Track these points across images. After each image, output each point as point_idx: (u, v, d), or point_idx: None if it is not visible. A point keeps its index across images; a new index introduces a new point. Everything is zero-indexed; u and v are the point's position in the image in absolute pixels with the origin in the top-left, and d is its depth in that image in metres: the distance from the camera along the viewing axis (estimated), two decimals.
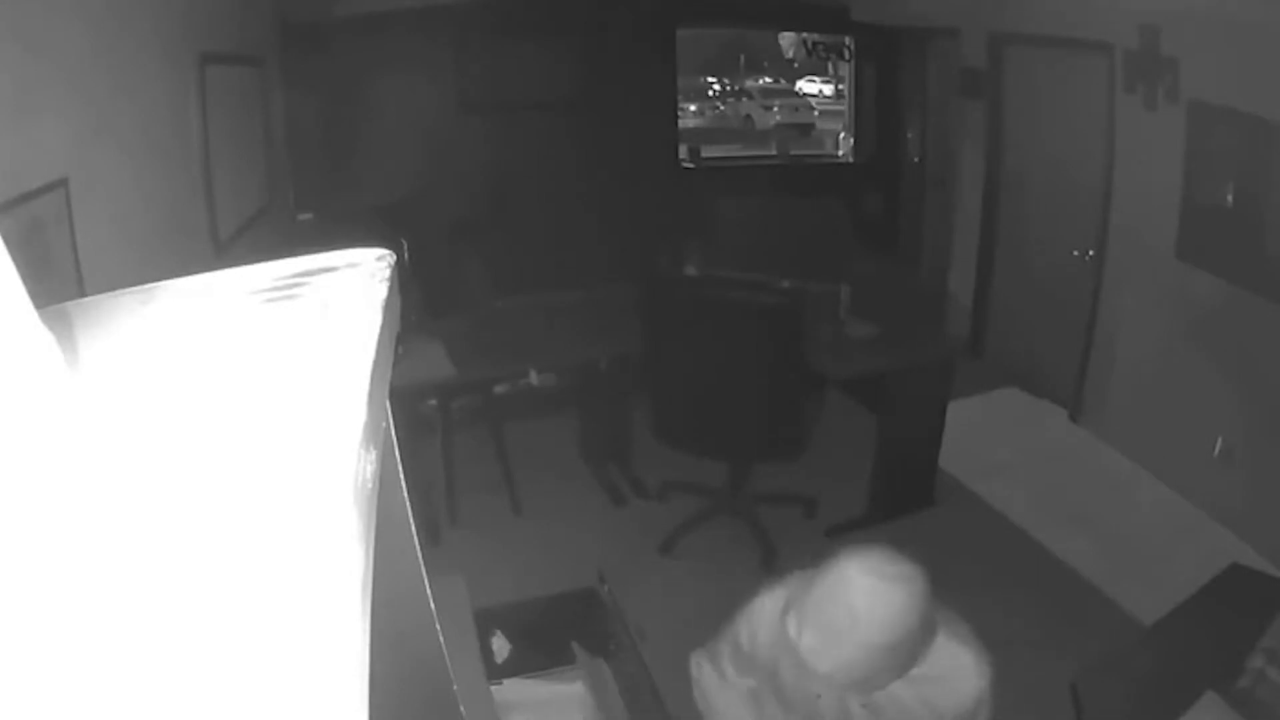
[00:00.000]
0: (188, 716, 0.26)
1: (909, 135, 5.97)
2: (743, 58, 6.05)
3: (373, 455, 0.38)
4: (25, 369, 0.36)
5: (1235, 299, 3.50)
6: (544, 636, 2.24)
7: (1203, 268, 3.66)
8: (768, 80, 6.10)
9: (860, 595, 1.33)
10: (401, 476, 0.57)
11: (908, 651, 1.38)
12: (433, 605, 0.64)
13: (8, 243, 0.37)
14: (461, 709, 0.74)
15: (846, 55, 6.06)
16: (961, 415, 3.96)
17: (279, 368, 0.43)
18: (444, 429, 3.91)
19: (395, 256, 0.56)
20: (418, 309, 3.61)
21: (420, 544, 0.61)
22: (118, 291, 0.53)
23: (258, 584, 0.30)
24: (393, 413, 0.50)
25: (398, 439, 0.54)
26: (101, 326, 0.49)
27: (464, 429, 4.02)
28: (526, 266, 4.86)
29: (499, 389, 4.26)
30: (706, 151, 6.03)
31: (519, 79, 5.30)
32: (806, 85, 6.14)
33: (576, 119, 5.47)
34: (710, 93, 6.03)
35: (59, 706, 0.26)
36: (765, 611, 1.61)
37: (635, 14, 5.47)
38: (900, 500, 3.73)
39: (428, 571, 0.62)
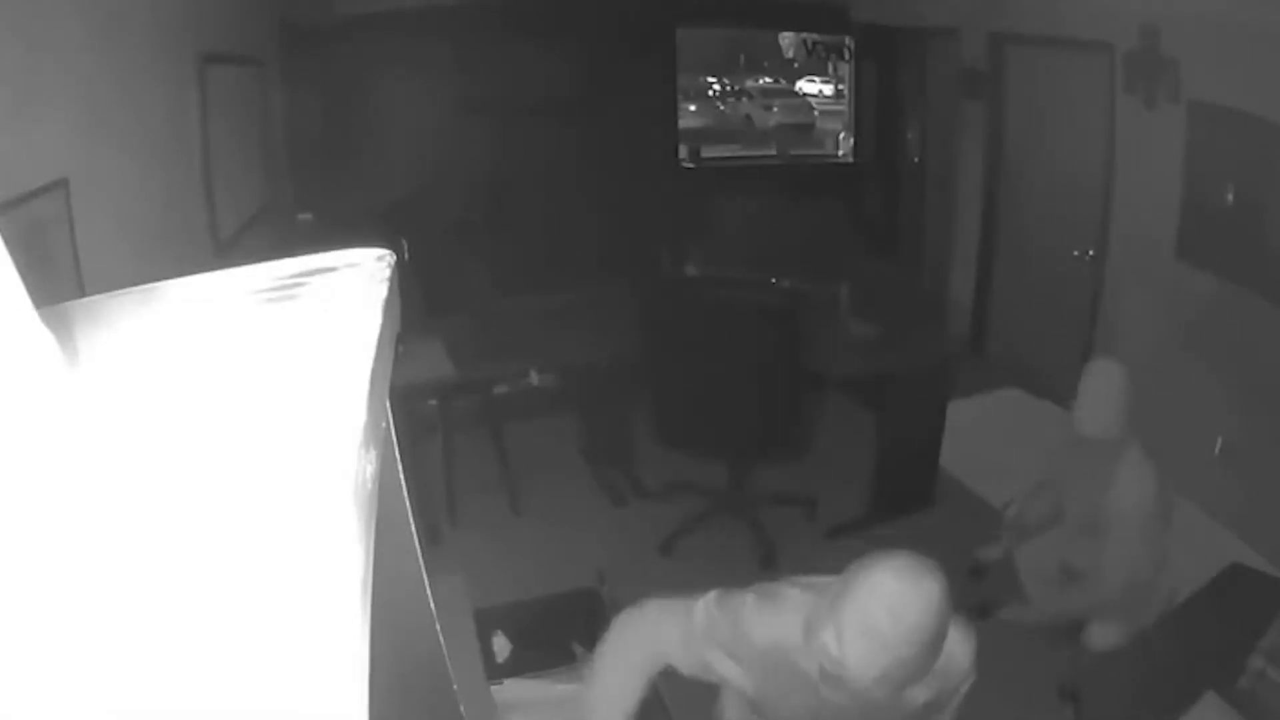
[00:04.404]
0: (189, 716, 0.26)
1: (909, 135, 5.97)
2: (743, 58, 6.04)
3: (373, 455, 0.38)
4: (25, 369, 0.36)
5: (1235, 299, 3.50)
6: (544, 636, 2.25)
7: (1203, 267, 3.66)
8: (768, 80, 6.09)
9: (902, 595, 1.35)
10: (401, 476, 0.57)
11: (941, 645, 1.41)
12: (433, 605, 0.64)
13: (8, 243, 0.37)
14: (461, 709, 0.74)
15: (846, 55, 6.05)
16: (961, 415, 3.96)
17: (279, 368, 0.43)
18: (444, 429, 3.91)
19: (395, 256, 0.56)
20: (418, 309, 3.61)
21: (420, 544, 0.61)
22: (118, 291, 0.53)
23: (258, 584, 0.29)
24: (393, 413, 0.50)
25: (398, 439, 0.54)
26: (101, 326, 0.48)
27: (464, 429, 4.02)
28: (526, 266, 4.85)
29: (499, 389, 4.26)
30: (706, 151, 6.03)
31: (519, 79, 5.30)
32: (806, 85, 6.13)
33: (576, 119, 5.47)
34: (710, 93, 6.02)
35: (60, 706, 0.26)
36: (768, 628, 1.59)
37: (635, 14, 5.47)
38: (900, 500, 3.73)
39: (428, 571, 0.62)
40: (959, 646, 1.52)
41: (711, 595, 1.67)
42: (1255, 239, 3.46)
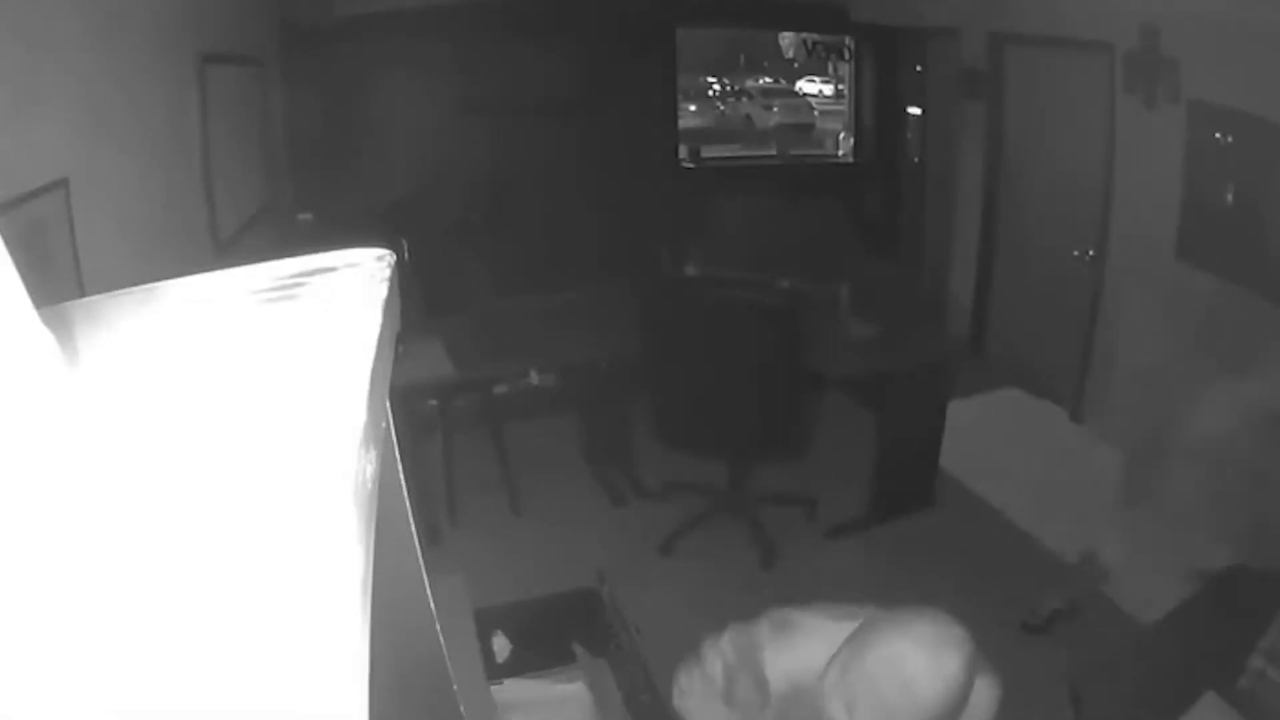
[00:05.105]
0: (188, 716, 0.26)
1: (909, 135, 5.97)
2: (743, 58, 6.04)
3: (373, 455, 0.38)
4: (25, 369, 0.36)
5: (1235, 299, 3.50)
6: (544, 636, 2.25)
7: (1203, 268, 3.66)
8: (768, 80, 6.09)
9: (917, 671, 1.27)
10: (401, 476, 0.57)
11: (958, 710, 1.35)
12: (433, 605, 0.64)
13: (8, 243, 0.37)
14: (461, 709, 0.74)
15: (846, 55, 6.05)
16: (961, 415, 3.96)
17: (279, 368, 0.43)
18: (444, 429, 3.91)
19: (395, 256, 0.56)
20: (418, 309, 3.61)
21: (420, 544, 0.61)
22: (118, 291, 0.53)
23: (258, 584, 0.29)
24: (393, 413, 0.50)
25: (398, 439, 0.54)
26: (101, 326, 0.49)
27: (464, 429, 4.02)
28: (526, 266, 4.85)
29: (499, 389, 4.26)
30: (706, 151, 6.02)
31: (519, 79, 5.30)
32: (806, 85, 6.13)
33: (576, 119, 5.47)
34: (710, 93, 6.02)
35: (60, 706, 0.26)
36: (780, 665, 1.56)
37: (635, 14, 5.47)
38: (900, 500, 3.73)
39: (428, 571, 0.62)
40: (987, 695, 1.46)
41: (725, 636, 1.64)
42: (1255, 239, 3.46)
